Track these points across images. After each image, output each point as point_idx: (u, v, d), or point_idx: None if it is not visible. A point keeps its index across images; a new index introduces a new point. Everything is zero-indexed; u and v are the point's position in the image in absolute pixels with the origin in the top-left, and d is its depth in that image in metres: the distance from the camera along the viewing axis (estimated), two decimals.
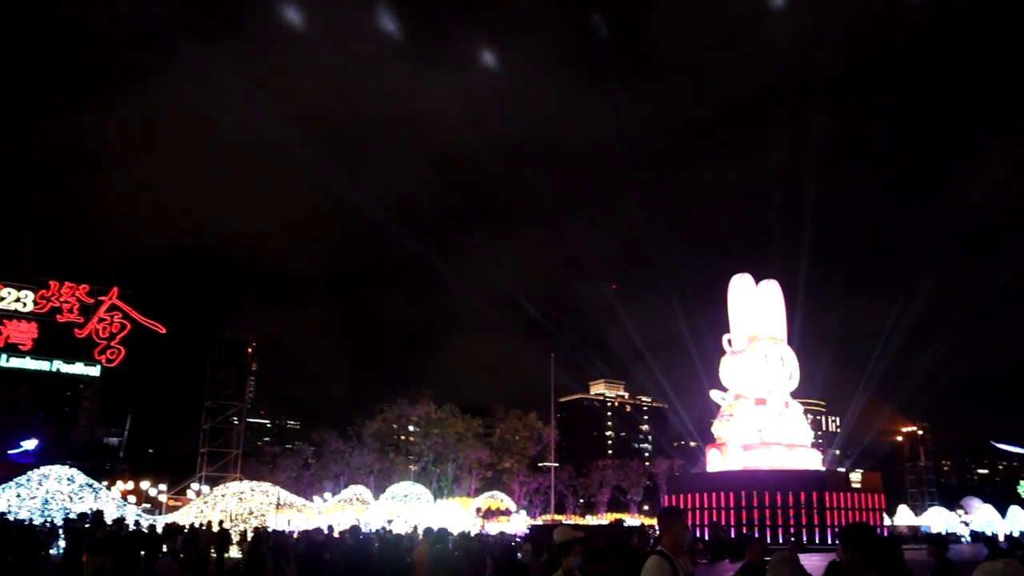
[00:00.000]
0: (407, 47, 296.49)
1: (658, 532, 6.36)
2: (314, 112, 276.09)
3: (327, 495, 67.20)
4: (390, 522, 46.78)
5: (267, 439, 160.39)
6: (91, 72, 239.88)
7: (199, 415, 69.81)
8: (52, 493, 38.72)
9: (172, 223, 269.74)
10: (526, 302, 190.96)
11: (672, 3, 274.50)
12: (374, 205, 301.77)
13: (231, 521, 42.55)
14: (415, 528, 33.75)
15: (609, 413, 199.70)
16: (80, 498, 38.92)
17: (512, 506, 67.76)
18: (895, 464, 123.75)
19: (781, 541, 48.46)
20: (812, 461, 63.94)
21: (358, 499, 54.72)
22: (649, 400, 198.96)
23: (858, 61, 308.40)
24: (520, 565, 15.50)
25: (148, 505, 64.16)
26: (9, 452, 65.13)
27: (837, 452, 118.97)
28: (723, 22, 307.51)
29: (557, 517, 78.67)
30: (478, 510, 63.83)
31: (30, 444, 68.08)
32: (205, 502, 47.51)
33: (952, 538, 79.73)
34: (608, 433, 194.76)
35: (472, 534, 31.66)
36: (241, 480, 55.04)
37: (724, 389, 65.43)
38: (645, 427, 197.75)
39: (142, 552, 24.27)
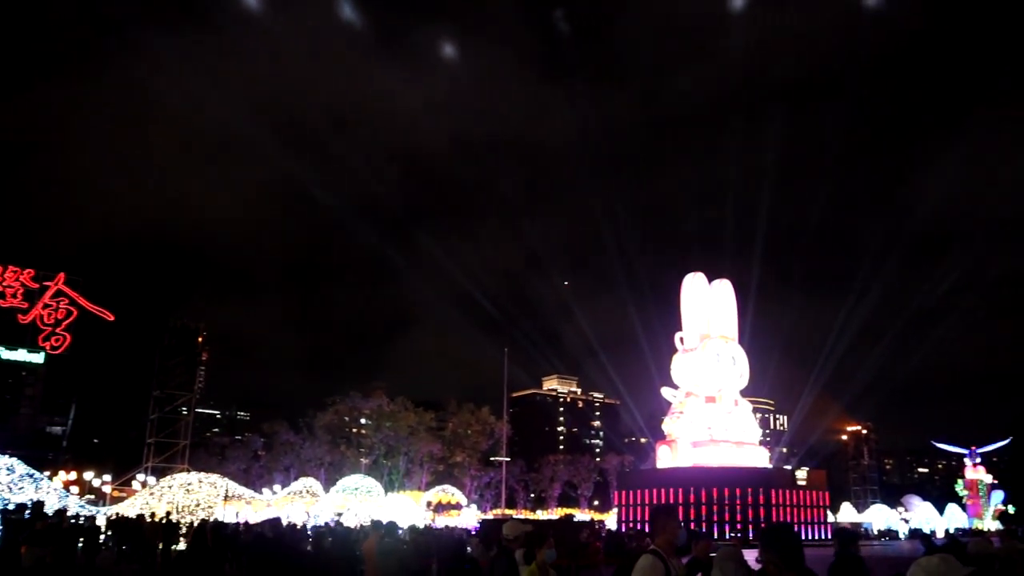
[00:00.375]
0: (372, 41, 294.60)
1: (651, 530, 6.47)
2: (276, 104, 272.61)
3: (277, 487, 66.48)
4: (340, 515, 46.51)
5: (216, 430, 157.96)
6: (48, 59, 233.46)
7: (147, 404, 68.68)
8: None
9: (130, 211, 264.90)
10: (482, 297, 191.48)
11: (636, 5, 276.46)
12: (333, 197, 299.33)
13: (178, 513, 41.96)
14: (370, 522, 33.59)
15: (561, 409, 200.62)
16: (20, 488, 38.12)
17: (463, 500, 67.77)
18: (840, 462, 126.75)
19: (728, 537, 49.34)
20: (760, 459, 65.08)
21: (308, 491, 54.29)
22: (601, 396, 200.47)
23: (814, 68, 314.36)
24: (469, 558, 15.54)
25: (92, 496, 62.77)
26: None
27: (784, 450, 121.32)
28: (685, 24, 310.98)
29: (508, 512, 78.92)
30: (429, 504, 63.71)
31: None
32: (151, 493, 46.79)
33: (892, 534, 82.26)
34: (560, 429, 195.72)
35: (422, 527, 31.60)
36: (189, 471, 54.29)
37: (675, 387, 66.21)
38: (597, 423, 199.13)
39: (81, 544, 23.77)
